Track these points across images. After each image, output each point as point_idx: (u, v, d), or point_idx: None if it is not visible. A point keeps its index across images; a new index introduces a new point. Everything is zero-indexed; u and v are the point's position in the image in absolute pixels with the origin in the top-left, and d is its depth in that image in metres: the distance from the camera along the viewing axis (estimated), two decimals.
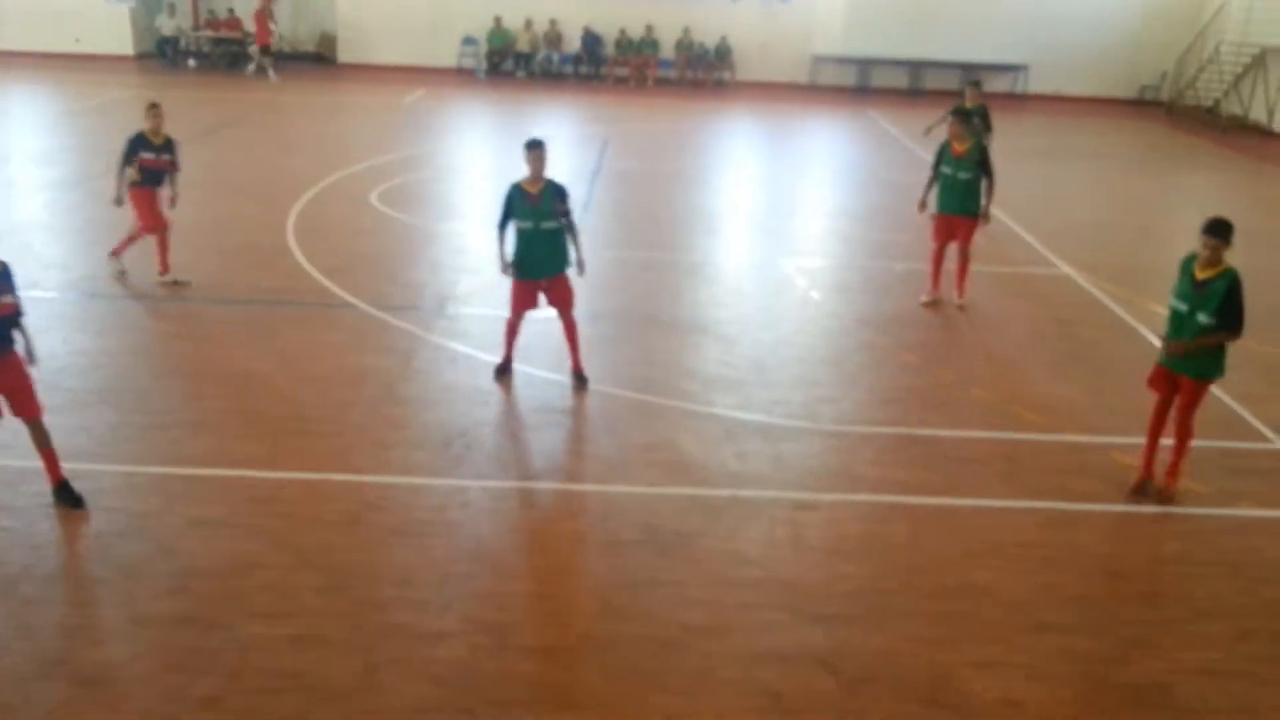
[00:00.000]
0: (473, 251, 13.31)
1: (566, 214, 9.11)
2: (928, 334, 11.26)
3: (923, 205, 12.13)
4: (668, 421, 8.81)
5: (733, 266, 13.77)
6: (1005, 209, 15.29)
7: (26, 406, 6.90)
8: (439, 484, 7.64)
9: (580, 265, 9.25)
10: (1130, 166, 22.01)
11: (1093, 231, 16.09)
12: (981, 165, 11.65)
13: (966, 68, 29.47)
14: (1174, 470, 7.81)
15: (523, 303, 9.29)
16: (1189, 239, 7.84)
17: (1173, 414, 7.71)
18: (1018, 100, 30.23)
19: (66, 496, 7.05)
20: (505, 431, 8.68)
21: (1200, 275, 7.36)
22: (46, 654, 5.66)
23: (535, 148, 8.91)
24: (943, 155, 11.78)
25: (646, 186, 17.88)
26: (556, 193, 9.06)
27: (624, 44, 30.86)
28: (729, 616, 6.19)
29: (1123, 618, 6.38)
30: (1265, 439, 8.89)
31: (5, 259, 6.86)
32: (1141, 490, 7.85)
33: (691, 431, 8.62)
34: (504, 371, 9.55)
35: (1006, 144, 18.76)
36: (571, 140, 21.38)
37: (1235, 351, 7.71)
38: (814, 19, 30.93)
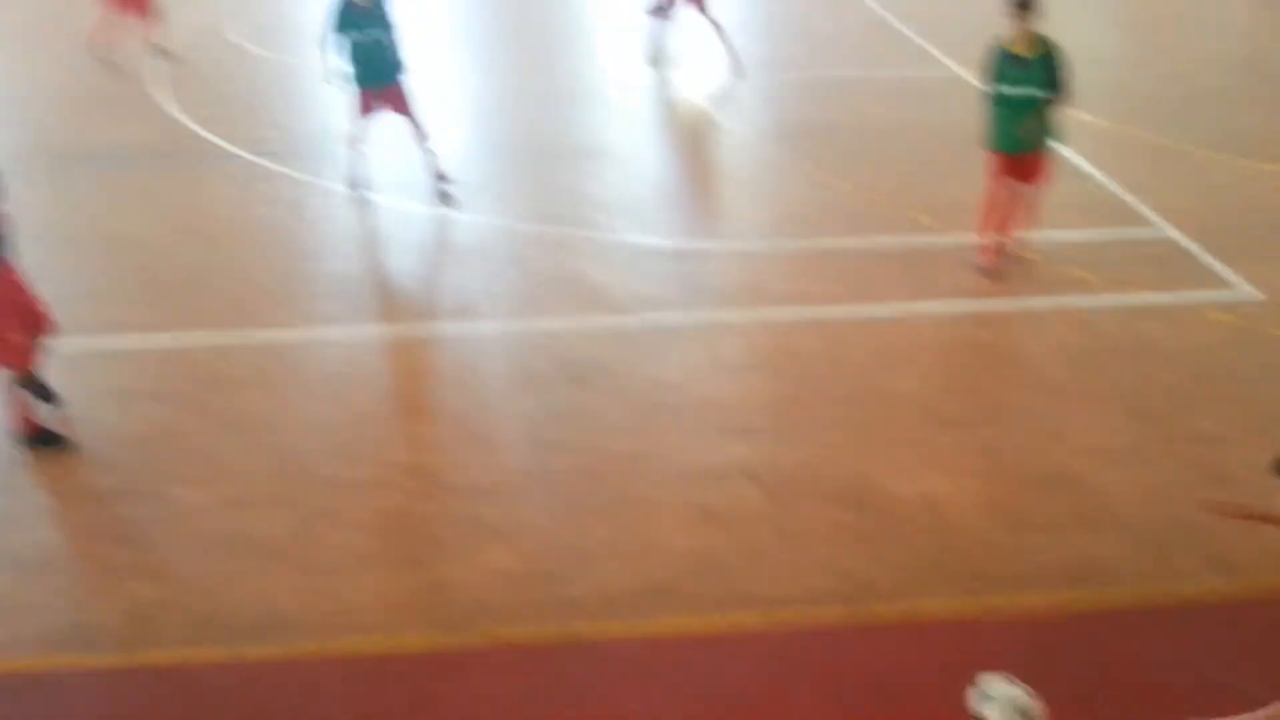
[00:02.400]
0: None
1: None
2: (824, 145, 11.28)
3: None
4: (572, 250, 8.77)
5: (614, 84, 13.43)
6: (889, 6, 15.11)
7: None
8: (349, 332, 7.56)
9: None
10: None
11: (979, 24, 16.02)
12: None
13: None
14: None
15: (364, 111, 9.33)
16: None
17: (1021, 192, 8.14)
18: None
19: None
20: (409, 273, 8.56)
21: (1025, 53, 7.73)
22: None
23: None
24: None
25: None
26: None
27: None
28: (654, 440, 6.37)
29: (1023, 407, 6.75)
30: (1151, 224, 9.23)
31: None
32: (999, 273, 8.23)
33: (598, 259, 8.62)
34: (356, 186, 9.58)
35: None
36: None
37: (1126, 142, 7.90)
38: None
